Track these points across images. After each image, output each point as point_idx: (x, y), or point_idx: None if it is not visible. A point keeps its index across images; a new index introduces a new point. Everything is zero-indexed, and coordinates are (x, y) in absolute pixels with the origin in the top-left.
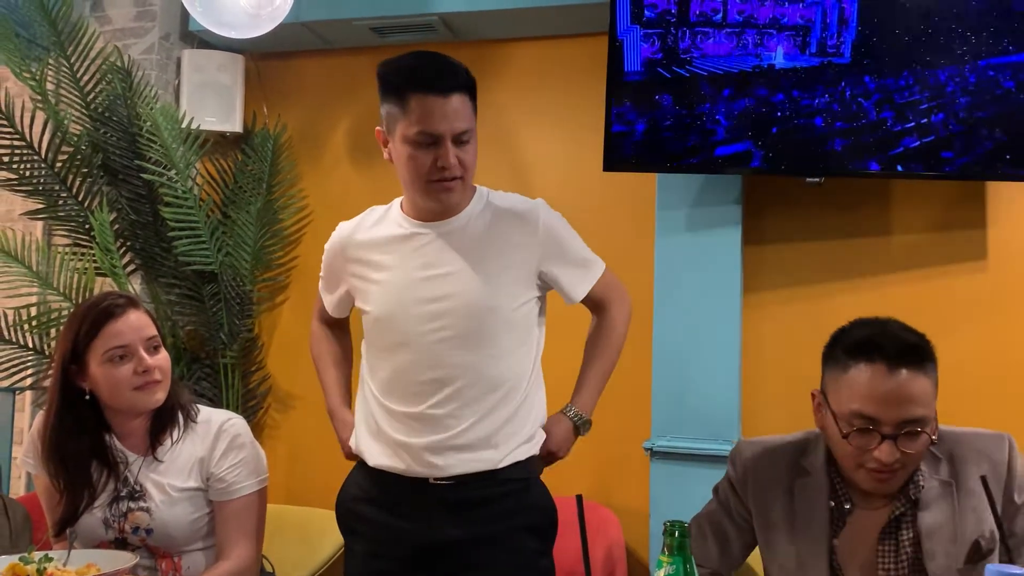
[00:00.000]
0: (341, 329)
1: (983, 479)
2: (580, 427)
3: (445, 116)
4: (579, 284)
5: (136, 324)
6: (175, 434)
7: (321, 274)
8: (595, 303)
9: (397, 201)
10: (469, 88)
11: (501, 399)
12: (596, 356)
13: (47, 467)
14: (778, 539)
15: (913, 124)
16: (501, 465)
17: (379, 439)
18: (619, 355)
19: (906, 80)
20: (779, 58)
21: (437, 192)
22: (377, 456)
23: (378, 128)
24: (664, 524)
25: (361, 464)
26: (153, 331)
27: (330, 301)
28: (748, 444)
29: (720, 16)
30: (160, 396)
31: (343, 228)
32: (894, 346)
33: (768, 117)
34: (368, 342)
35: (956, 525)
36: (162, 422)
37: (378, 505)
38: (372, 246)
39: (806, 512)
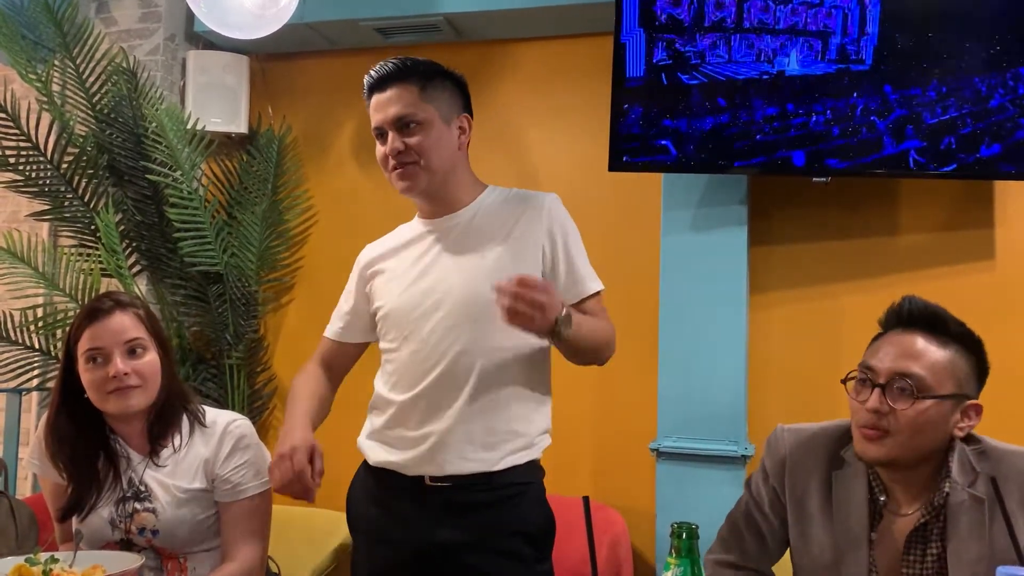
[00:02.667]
0: (331, 376)
1: (993, 480)
2: (561, 321)
3: (382, 108)
4: (578, 283)
5: (116, 327)
6: (178, 438)
7: (342, 297)
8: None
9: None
10: (422, 78)
11: (504, 398)
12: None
13: (53, 462)
14: (813, 530)
15: (955, 166)
16: (498, 468)
17: (380, 435)
18: (604, 346)
19: (937, 91)
20: (792, 64)
21: (396, 180)
22: (377, 453)
23: None
24: (672, 526)
25: (364, 463)
26: (136, 334)
27: (344, 314)
28: (786, 431)
29: (734, 22)
30: (136, 402)
31: (367, 248)
32: (914, 311)
33: (770, 129)
34: (381, 343)
35: (985, 547)
36: (162, 425)
37: (379, 504)
38: (387, 253)
39: (844, 503)
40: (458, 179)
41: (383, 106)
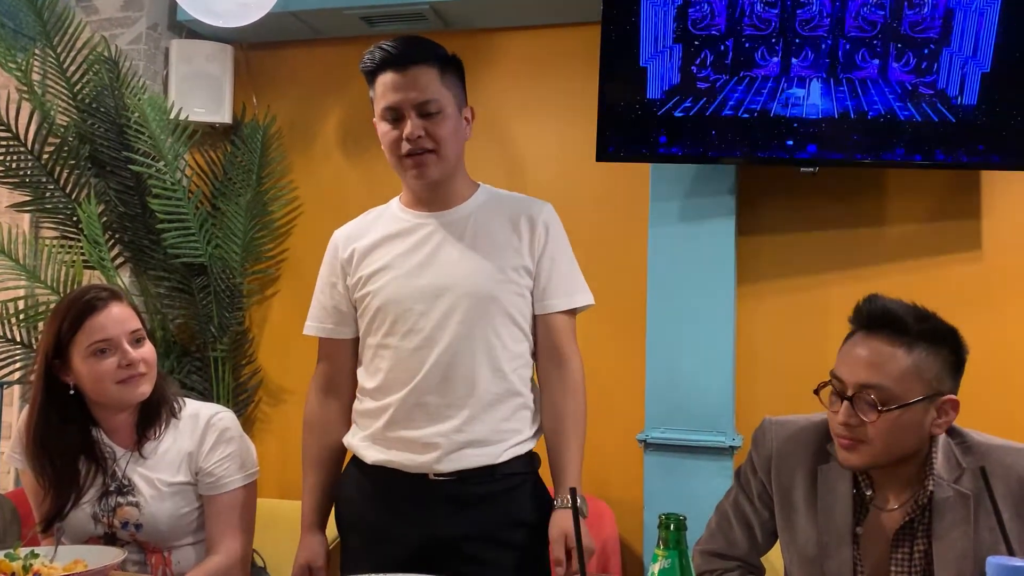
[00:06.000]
0: (339, 394)
1: (982, 470)
2: (582, 509)
3: (403, 88)
4: (565, 294)
5: (119, 317)
6: (159, 429)
7: (317, 288)
8: (557, 350)
9: (395, 199)
10: (440, 62)
11: (503, 393)
12: (571, 433)
13: (32, 464)
14: (799, 522)
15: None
16: (501, 460)
17: (377, 436)
18: (584, 423)
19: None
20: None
21: (409, 167)
22: (375, 453)
23: (374, 119)
24: (659, 517)
25: (357, 461)
26: (136, 324)
27: (325, 310)
28: (773, 424)
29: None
30: (145, 389)
31: (338, 234)
32: (875, 313)
33: (764, 118)
34: (366, 336)
35: (971, 543)
36: (149, 416)
37: (379, 504)
38: (375, 243)
39: (828, 497)
40: (460, 173)
41: (404, 86)
